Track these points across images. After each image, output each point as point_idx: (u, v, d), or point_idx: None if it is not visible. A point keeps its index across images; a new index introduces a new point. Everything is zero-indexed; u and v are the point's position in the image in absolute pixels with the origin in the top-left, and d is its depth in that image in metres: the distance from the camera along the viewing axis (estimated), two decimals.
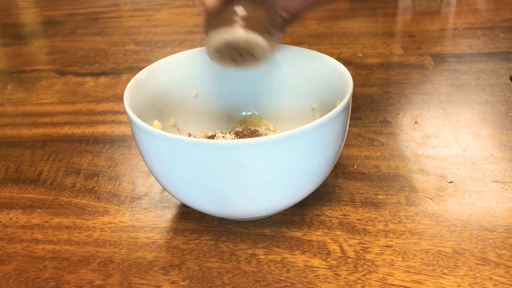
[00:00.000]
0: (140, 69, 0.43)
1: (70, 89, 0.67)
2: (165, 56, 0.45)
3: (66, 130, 0.57)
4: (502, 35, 0.74)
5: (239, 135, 0.44)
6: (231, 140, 0.33)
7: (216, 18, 0.38)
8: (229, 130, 0.47)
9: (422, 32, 0.78)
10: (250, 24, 0.37)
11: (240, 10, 0.38)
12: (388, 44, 0.74)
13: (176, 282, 0.37)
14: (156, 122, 0.43)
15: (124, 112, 0.60)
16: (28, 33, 0.92)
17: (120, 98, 0.63)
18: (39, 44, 0.84)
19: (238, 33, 0.37)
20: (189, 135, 0.47)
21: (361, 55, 0.71)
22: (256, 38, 0.37)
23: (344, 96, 0.37)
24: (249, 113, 0.49)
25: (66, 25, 0.91)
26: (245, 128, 0.47)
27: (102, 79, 0.69)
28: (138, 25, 0.88)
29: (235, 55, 0.39)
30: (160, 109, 0.44)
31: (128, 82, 0.41)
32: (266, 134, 0.45)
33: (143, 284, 0.37)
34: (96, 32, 0.87)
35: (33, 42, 0.85)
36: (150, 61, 0.72)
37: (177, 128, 0.47)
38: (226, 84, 0.47)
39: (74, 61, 0.75)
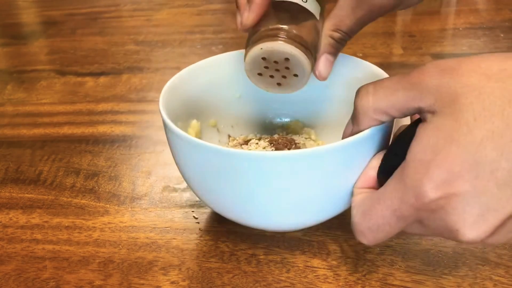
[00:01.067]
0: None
1: (70, 89, 0.67)
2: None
3: (66, 130, 0.57)
4: (502, 35, 0.74)
5: (273, 143, 0.43)
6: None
7: (257, 30, 0.37)
8: (266, 136, 0.46)
9: (422, 32, 0.78)
10: (289, 37, 0.35)
11: (282, 22, 0.36)
12: (388, 44, 0.74)
13: (176, 282, 0.37)
14: (194, 121, 0.43)
15: (124, 112, 0.60)
16: (28, 33, 0.92)
17: (120, 98, 0.63)
18: (39, 44, 0.84)
19: (275, 43, 0.35)
20: (229, 136, 0.47)
21: (361, 55, 0.71)
22: (294, 51, 0.35)
23: None
24: (292, 119, 0.48)
25: (66, 25, 0.91)
26: (282, 136, 0.45)
27: (102, 79, 0.69)
28: (138, 25, 0.88)
29: (273, 72, 0.38)
30: (200, 108, 0.44)
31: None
32: (304, 144, 0.44)
33: (143, 284, 0.37)
34: (96, 32, 0.87)
35: (33, 42, 0.85)
36: (150, 61, 0.73)
37: (217, 129, 0.46)
38: None
39: (74, 61, 0.75)
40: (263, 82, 0.39)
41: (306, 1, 0.37)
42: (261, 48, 0.36)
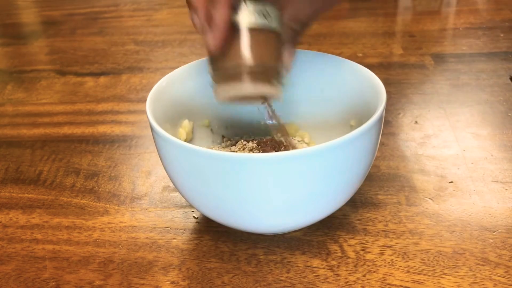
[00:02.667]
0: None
1: (70, 89, 0.67)
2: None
3: (66, 130, 0.57)
4: (502, 35, 0.74)
5: (261, 144, 0.43)
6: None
7: (222, 66, 0.36)
8: (254, 138, 0.46)
9: (422, 32, 0.78)
10: (258, 74, 0.35)
11: (246, 58, 0.35)
12: (388, 44, 0.74)
13: (176, 282, 0.37)
14: (185, 121, 0.43)
15: (124, 112, 0.60)
16: (28, 33, 0.92)
17: (120, 98, 0.63)
18: (39, 44, 0.84)
19: (246, 88, 0.35)
20: (223, 137, 0.47)
21: (361, 55, 0.71)
22: (266, 89, 0.35)
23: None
24: (287, 121, 0.47)
25: (66, 25, 0.91)
26: (271, 138, 0.45)
27: (102, 79, 0.69)
28: (138, 25, 0.88)
29: (248, 99, 0.38)
30: (193, 109, 0.44)
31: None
32: (294, 147, 0.44)
33: (143, 284, 0.37)
34: (96, 32, 0.87)
35: (33, 42, 0.85)
36: (150, 61, 0.73)
37: (211, 129, 0.46)
38: None
39: (74, 61, 0.75)
40: (241, 103, 0.39)
41: (266, 18, 0.35)
42: (229, 95, 0.36)
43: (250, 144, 0.43)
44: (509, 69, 0.64)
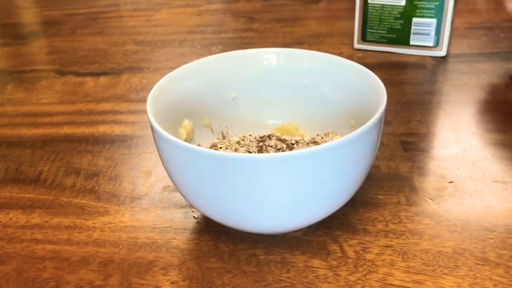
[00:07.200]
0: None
1: (70, 89, 0.67)
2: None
3: (66, 130, 0.57)
4: (502, 35, 0.74)
5: (261, 144, 0.43)
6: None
7: None
8: (260, 137, 0.47)
9: None
10: None
11: None
12: None
13: (176, 282, 0.37)
14: (186, 121, 0.43)
15: (124, 112, 0.60)
16: (28, 33, 0.92)
17: (120, 98, 0.63)
18: (39, 44, 0.84)
19: None
20: (223, 137, 0.47)
21: (361, 55, 0.71)
22: None
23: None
24: (287, 120, 0.47)
25: (66, 25, 0.91)
26: (272, 138, 0.45)
27: (102, 79, 0.69)
28: (138, 25, 0.88)
29: None
30: (193, 109, 0.44)
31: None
32: (292, 147, 0.44)
33: (143, 284, 0.37)
34: (96, 32, 0.87)
35: (33, 42, 0.85)
36: (150, 61, 0.73)
37: (211, 129, 0.47)
38: (266, 89, 0.47)
39: (74, 61, 0.75)
40: None
41: None
42: None
43: (250, 143, 0.43)
44: (509, 69, 0.64)
